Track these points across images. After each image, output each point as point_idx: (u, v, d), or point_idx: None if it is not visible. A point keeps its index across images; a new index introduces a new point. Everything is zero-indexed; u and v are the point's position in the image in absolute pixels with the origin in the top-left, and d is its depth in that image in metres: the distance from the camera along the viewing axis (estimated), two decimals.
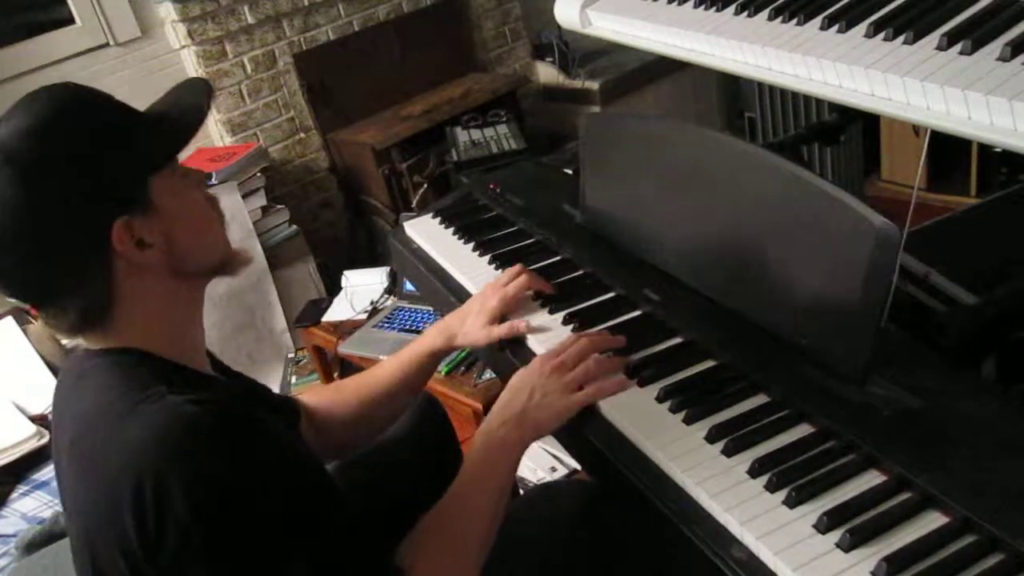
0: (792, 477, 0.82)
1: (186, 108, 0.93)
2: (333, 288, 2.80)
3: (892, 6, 1.01)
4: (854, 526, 0.75)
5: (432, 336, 1.22)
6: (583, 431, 0.99)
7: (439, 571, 0.90)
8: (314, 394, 1.25)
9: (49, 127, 0.82)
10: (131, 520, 0.74)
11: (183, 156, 0.93)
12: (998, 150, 2.56)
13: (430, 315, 2.36)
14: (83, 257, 0.83)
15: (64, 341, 2.35)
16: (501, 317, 1.18)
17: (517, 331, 1.16)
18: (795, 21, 1.10)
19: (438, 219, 1.55)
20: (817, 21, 1.06)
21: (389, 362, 1.23)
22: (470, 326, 1.18)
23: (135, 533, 0.74)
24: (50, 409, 0.96)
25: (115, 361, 0.85)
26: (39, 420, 2.21)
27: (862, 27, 1.00)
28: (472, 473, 0.97)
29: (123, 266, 0.84)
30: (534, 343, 1.15)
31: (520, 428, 0.99)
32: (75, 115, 0.84)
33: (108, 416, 0.80)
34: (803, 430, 0.89)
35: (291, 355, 2.80)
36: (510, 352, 1.17)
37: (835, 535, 0.75)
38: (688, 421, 0.92)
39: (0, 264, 0.82)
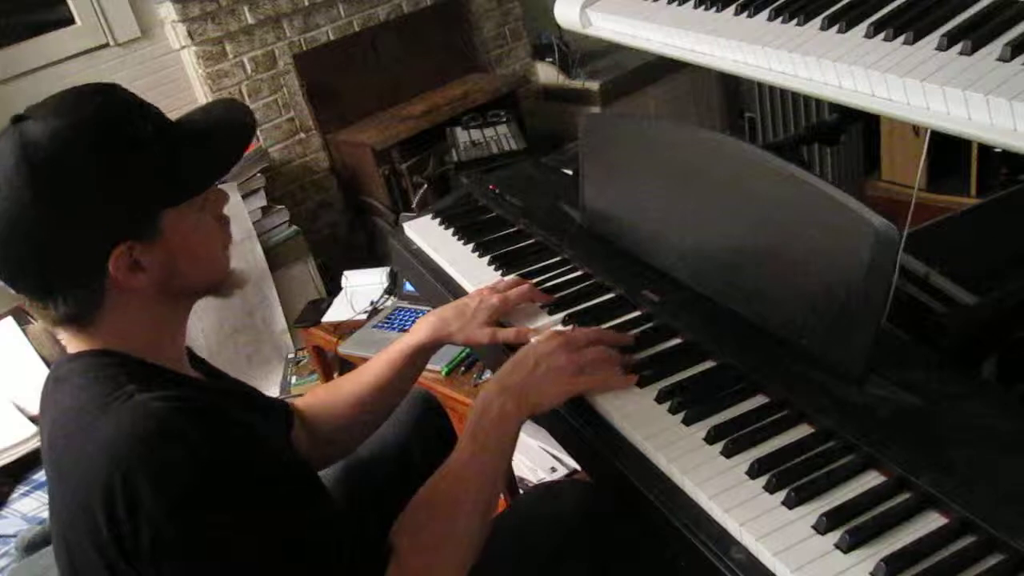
0: (791, 478, 0.82)
1: (219, 150, 0.91)
2: (333, 288, 2.80)
3: (892, 6, 1.01)
4: (853, 527, 0.75)
5: (424, 329, 1.17)
6: (583, 431, 0.99)
7: (424, 548, 0.87)
8: (309, 396, 1.24)
9: (79, 138, 0.80)
10: (104, 518, 0.74)
11: None
12: (998, 150, 2.56)
13: None
14: (78, 269, 0.83)
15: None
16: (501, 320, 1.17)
17: (524, 339, 1.13)
18: (795, 21, 1.09)
19: (438, 220, 1.55)
20: (817, 21, 1.06)
21: (377, 360, 1.19)
22: (469, 322, 1.15)
23: (108, 531, 0.74)
24: None
25: (92, 363, 0.85)
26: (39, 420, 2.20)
27: (862, 27, 1.00)
28: (466, 447, 0.94)
29: (112, 282, 0.84)
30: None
31: (518, 401, 0.95)
32: (110, 132, 0.82)
33: (80, 418, 0.80)
34: (803, 430, 0.89)
35: (291, 355, 2.80)
36: (511, 353, 1.16)
37: (834, 536, 0.75)
38: (688, 422, 0.92)
39: None
